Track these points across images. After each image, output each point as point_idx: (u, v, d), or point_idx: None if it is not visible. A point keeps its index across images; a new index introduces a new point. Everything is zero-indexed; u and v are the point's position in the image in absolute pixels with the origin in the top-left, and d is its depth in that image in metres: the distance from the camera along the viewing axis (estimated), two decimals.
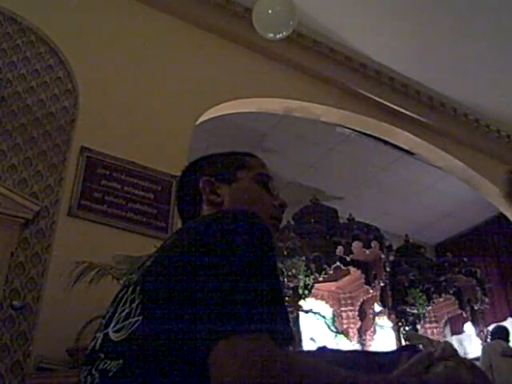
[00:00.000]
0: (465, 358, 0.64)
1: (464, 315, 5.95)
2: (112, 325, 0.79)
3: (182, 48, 3.92)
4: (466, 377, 0.60)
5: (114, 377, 0.69)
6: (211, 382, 0.62)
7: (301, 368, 0.62)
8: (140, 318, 0.73)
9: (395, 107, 4.78)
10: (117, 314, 0.80)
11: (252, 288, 0.67)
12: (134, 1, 3.77)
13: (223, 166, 1.04)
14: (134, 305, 0.77)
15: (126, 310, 0.78)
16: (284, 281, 4.76)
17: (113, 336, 0.77)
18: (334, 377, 0.62)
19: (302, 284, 4.90)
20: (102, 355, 0.74)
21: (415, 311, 5.43)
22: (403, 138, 5.00)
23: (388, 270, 5.40)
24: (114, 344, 0.75)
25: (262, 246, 0.73)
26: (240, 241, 0.72)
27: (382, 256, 5.37)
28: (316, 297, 5.67)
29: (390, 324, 5.59)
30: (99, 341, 0.79)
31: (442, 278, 5.78)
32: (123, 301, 0.81)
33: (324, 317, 5.55)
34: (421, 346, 0.64)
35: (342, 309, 5.83)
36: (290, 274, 4.95)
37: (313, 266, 5.01)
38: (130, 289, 0.81)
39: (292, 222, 5.37)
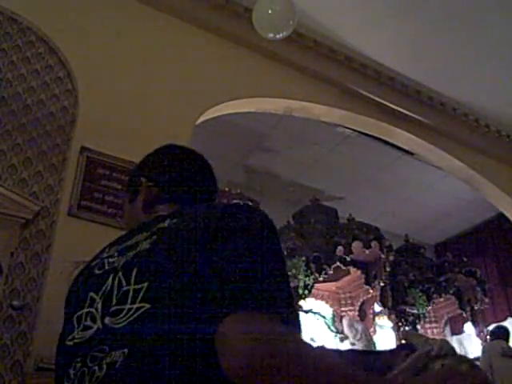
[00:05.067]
0: (464, 356, 0.64)
1: (464, 315, 5.94)
2: (105, 311, 0.77)
3: (182, 48, 3.92)
4: (464, 374, 0.60)
5: (120, 367, 0.68)
6: (218, 355, 0.62)
7: (309, 353, 0.62)
8: (145, 304, 0.72)
9: (395, 107, 4.78)
10: (111, 301, 0.77)
11: (260, 272, 0.69)
12: (134, 1, 3.77)
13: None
14: (130, 287, 0.75)
15: (120, 294, 0.76)
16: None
17: (109, 321, 0.75)
18: (337, 367, 0.62)
19: (301, 284, 4.90)
20: (107, 348, 0.72)
21: (415, 311, 5.43)
22: (403, 138, 5.00)
23: (388, 270, 5.39)
24: (115, 332, 0.72)
25: (270, 239, 0.76)
26: (252, 233, 0.75)
27: (382, 256, 5.36)
28: (316, 297, 5.66)
29: (390, 324, 5.58)
30: (99, 332, 0.76)
31: (442, 278, 5.78)
32: (116, 285, 0.78)
33: (324, 317, 5.55)
34: (418, 345, 0.64)
35: (342, 309, 5.83)
36: (289, 274, 4.95)
37: (313, 266, 5.01)
38: (121, 272, 0.79)
39: (292, 222, 5.36)
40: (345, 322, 5.49)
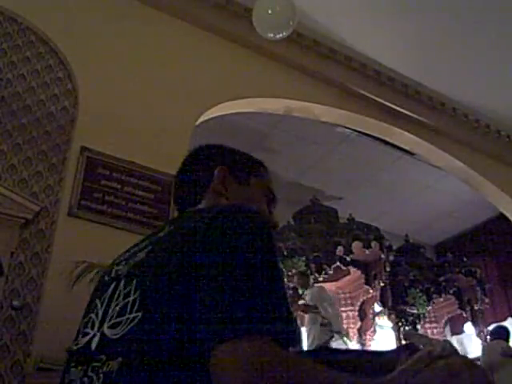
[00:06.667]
0: (465, 356, 0.64)
1: (464, 315, 5.95)
2: (107, 320, 0.77)
3: (182, 48, 3.92)
4: (465, 373, 0.59)
5: (115, 376, 0.68)
6: (213, 380, 0.62)
7: (301, 372, 0.61)
8: (139, 314, 0.72)
9: (395, 107, 4.78)
10: (111, 309, 0.78)
11: (254, 289, 0.66)
12: (134, 1, 3.77)
13: (241, 164, 1.01)
14: (129, 299, 0.75)
15: (121, 305, 0.76)
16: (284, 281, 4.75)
17: (108, 332, 0.75)
18: (334, 381, 0.62)
19: None
20: (104, 357, 0.72)
21: (415, 311, 5.44)
22: (403, 138, 5.00)
23: (388, 270, 5.40)
24: (113, 342, 0.73)
25: (264, 245, 0.72)
26: (243, 239, 0.71)
27: (382, 256, 5.37)
28: None
29: (390, 324, 5.59)
30: (95, 340, 0.77)
31: (442, 278, 5.79)
32: (116, 294, 0.79)
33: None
34: (420, 346, 0.64)
35: (342, 309, 5.83)
36: (290, 273, 4.96)
37: (313, 265, 5.01)
38: (123, 282, 0.80)
39: (292, 222, 5.37)
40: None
